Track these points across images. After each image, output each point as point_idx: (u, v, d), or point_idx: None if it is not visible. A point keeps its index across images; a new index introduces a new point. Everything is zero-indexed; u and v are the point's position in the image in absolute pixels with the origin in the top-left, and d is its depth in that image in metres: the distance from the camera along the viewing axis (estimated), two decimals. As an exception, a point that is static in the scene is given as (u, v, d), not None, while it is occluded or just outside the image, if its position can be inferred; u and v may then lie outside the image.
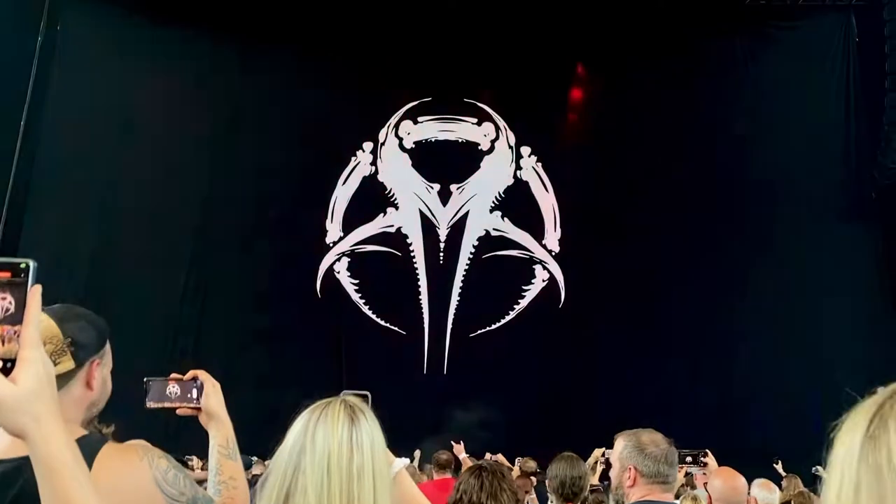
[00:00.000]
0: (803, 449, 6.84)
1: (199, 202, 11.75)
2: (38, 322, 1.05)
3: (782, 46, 12.04)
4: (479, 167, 12.04)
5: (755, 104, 11.73)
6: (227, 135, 11.93)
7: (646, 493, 2.48)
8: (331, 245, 11.75)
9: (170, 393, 1.91)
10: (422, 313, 11.52)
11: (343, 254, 11.72)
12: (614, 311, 11.25)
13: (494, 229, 11.82)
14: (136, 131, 11.67)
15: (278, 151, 11.96)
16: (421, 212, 11.83)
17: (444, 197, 11.86)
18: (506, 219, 11.84)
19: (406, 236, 11.76)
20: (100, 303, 10.96)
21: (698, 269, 11.17)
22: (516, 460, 7.60)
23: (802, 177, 11.34)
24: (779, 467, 7.97)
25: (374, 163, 12.04)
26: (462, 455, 7.45)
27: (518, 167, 12.05)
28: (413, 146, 12.09)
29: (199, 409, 1.91)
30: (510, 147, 12.13)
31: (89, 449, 1.49)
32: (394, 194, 11.92)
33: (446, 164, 12.01)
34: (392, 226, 11.81)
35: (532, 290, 11.65)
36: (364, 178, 11.99)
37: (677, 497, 4.12)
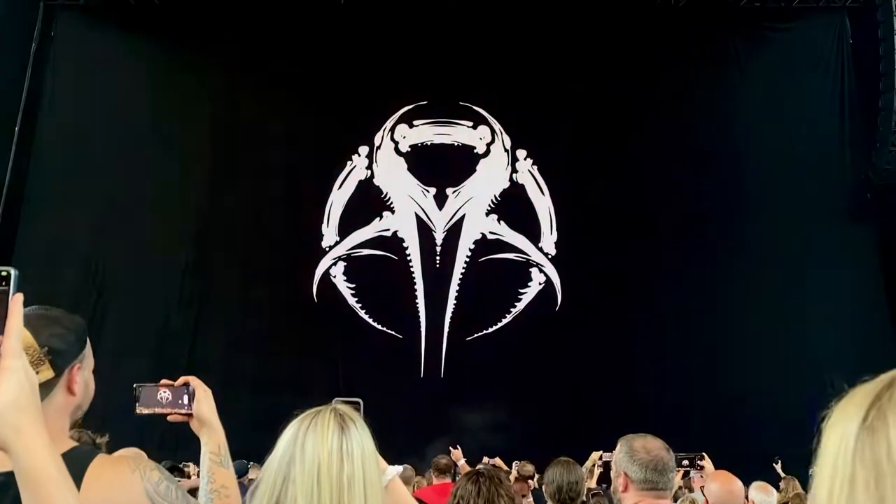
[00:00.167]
0: (802, 450, 6.83)
1: (195, 208, 11.75)
2: (21, 331, 1.03)
3: (777, 48, 12.09)
4: (475, 170, 12.03)
5: (750, 105, 11.77)
6: (222, 140, 11.92)
7: (637, 500, 2.46)
8: (327, 249, 11.73)
9: (161, 399, 1.88)
10: (418, 317, 11.50)
11: (339, 258, 11.70)
12: (611, 313, 11.25)
13: (491, 232, 11.81)
14: (131, 138, 11.66)
15: (274, 156, 11.96)
16: (417, 215, 11.82)
17: (441, 200, 11.85)
18: (502, 222, 11.83)
19: (402, 240, 11.75)
20: (94, 309, 10.97)
21: (694, 270, 11.19)
22: (514, 464, 7.57)
23: (798, 178, 11.38)
24: (778, 467, 7.97)
25: (369, 167, 12.03)
26: (461, 461, 7.43)
27: (514, 170, 12.05)
28: (409, 150, 12.08)
29: (190, 415, 1.87)
30: (506, 150, 12.13)
31: (79, 461, 1.46)
32: (390, 198, 11.91)
33: (442, 168, 12.00)
34: (388, 230, 11.79)
35: (528, 294, 11.64)
36: (360, 182, 11.98)
37: (675, 500, 4.11)
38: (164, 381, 1.89)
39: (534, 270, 11.72)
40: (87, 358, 1.69)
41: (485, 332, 11.43)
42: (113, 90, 11.80)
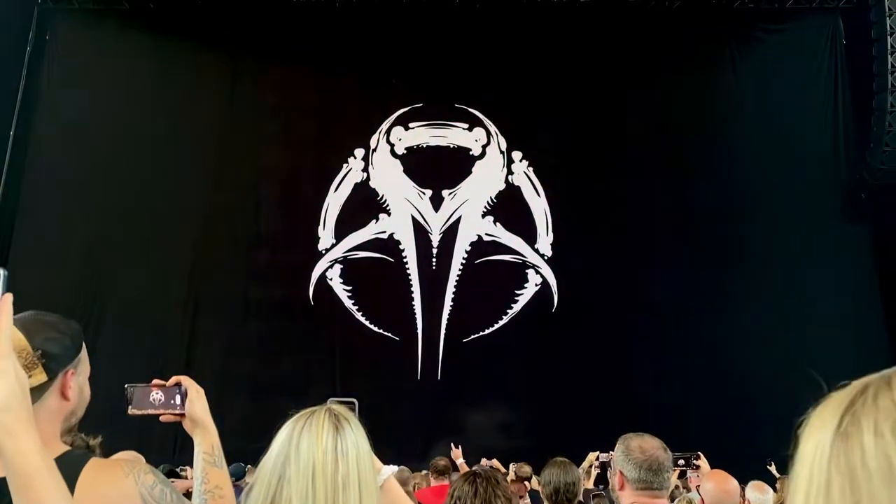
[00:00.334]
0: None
1: (192, 211, 11.73)
2: (10, 332, 1.02)
3: (771, 49, 12.13)
4: (470, 172, 12.04)
5: (745, 106, 11.81)
6: (219, 143, 11.92)
7: (634, 499, 2.47)
8: (323, 252, 11.72)
9: (153, 400, 1.85)
10: (415, 319, 11.50)
11: (335, 260, 11.70)
12: (607, 314, 11.26)
13: (487, 234, 11.82)
14: (127, 141, 11.65)
15: (270, 158, 11.96)
16: (413, 217, 11.82)
17: (437, 202, 11.85)
18: (498, 223, 11.84)
19: (398, 242, 11.75)
20: (91, 311, 10.96)
21: (690, 271, 11.21)
22: (511, 465, 7.57)
23: (793, 178, 11.41)
24: (773, 469, 7.98)
25: (365, 169, 12.03)
26: (459, 460, 7.43)
27: (509, 172, 12.07)
28: (405, 152, 12.09)
29: (183, 415, 1.86)
30: (501, 152, 12.14)
31: (72, 466, 1.46)
32: (386, 200, 11.91)
33: (438, 170, 12.01)
34: (384, 232, 11.79)
35: (525, 295, 11.65)
36: (356, 184, 11.98)
37: (672, 500, 4.11)
38: (155, 382, 1.88)
39: (530, 272, 11.73)
40: (83, 363, 1.67)
41: (481, 333, 11.43)
42: (108, 93, 11.79)
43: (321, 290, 11.59)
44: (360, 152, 12.08)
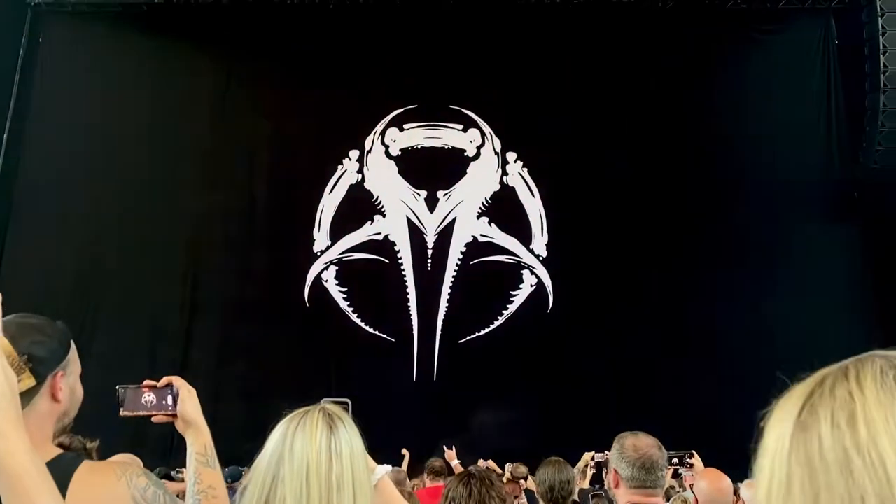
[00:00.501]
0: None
1: (186, 213, 11.71)
2: None
3: (764, 49, 12.17)
4: (465, 173, 12.05)
5: (738, 107, 11.84)
6: (212, 145, 11.90)
7: (629, 496, 2.49)
8: (318, 254, 11.71)
9: (145, 401, 1.85)
10: (410, 320, 11.50)
11: (331, 262, 11.69)
12: (602, 314, 11.29)
13: (482, 235, 11.83)
14: (121, 141, 11.64)
15: (264, 161, 11.95)
16: (408, 219, 11.82)
17: (431, 203, 11.86)
18: (493, 224, 11.85)
19: (394, 243, 11.75)
20: (86, 313, 10.93)
21: (686, 270, 11.24)
22: (507, 465, 7.59)
23: (785, 178, 11.45)
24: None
25: (360, 171, 12.03)
26: (454, 462, 7.44)
27: (504, 173, 12.08)
28: (399, 153, 12.09)
29: (174, 415, 1.86)
30: (496, 153, 12.16)
31: (64, 469, 1.46)
32: (381, 202, 11.91)
33: (433, 171, 12.01)
34: (379, 233, 11.79)
35: (520, 295, 11.66)
36: (351, 186, 11.97)
37: (668, 499, 4.13)
38: (147, 383, 1.87)
39: (525, 272, 11.75)
40: (72, 364, 1.67)
41: (477, 334, 11.44)
42: (102, 95, 11.76)
43: (316, 291, 11.58)
44: (354, 154, 12.08)
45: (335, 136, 12.11)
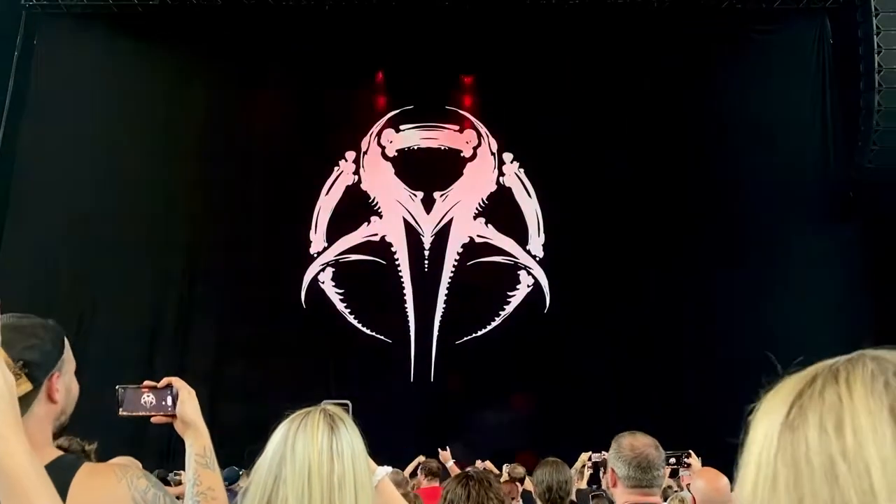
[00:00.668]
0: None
1: (183, 214, 11.71)
2: None
3: (759, 49, 12.19)
4: (462, 174, 12.05)
5: (733, 107, 11.86)
6: (209, 147, 11.89)
7: (626, 496, 2.50)
8: (315, 256, 11.71)
9: (144, 402, 1.84)
10: (407, 321, 11.50)
11: (327, 264, 11.69)
12: (599, 314, 11.30)
13: (478, 236, 11.83)
14: (116, 143, 11.62)
15: (261, 163, 11.94)
16: (405, 220, 11.82)
17: (428, 204, 11.86)
18: (490, 225, 11.86)
19: (390, 245, 11.75)
20: (83, 314, 10.92)
21: (682, 270, 11.26)
22: (504, 466, 7.59)
23: (781, 178, 11.48)
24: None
25: (356, 172, 12.03)
26: (449, 463, 7.44)
27: (501, 173, 12.09)
28: (396, 154, 12.09)
29: (174, 416, 1.85)
30: (492, 153, 12.16)
31: (64, 471, 1.46)
32: (377, 203, 11.91)
33: (429, 172, 12.01)
34: (376, 234, 11.79)
35: (517, 296, 11.67)
36: (347, 187, 11.97)
37: (665, 499, 4.13)
38: (146, 383, 1.87)
39: (522, 273, 11.75)
40: (67, 363, 1.67)
41: (474, 335, 11.44)
42: (97, 96, 11.74)
43: (313, 293, 11.58)
44: (351, 155, 12.08)
45: (331, 138, 12.11)
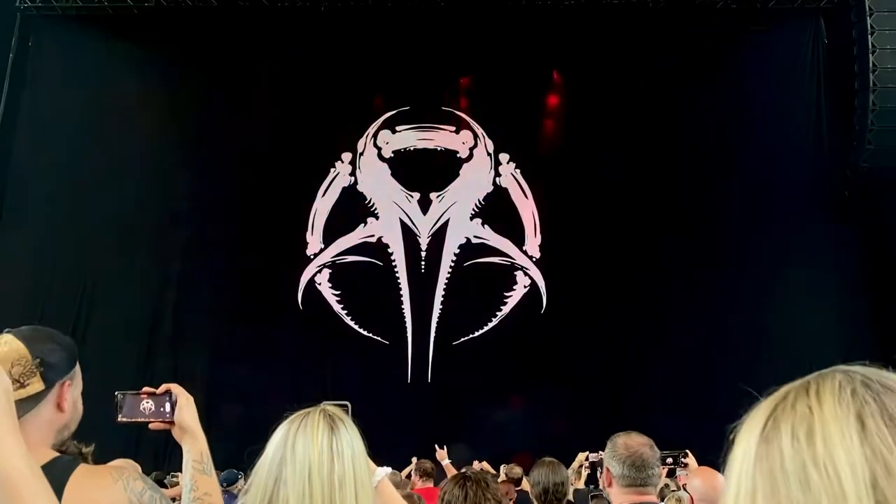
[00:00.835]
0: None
1: (177, 218, 11.69)
2: None
3: (754, 49, 12.22)
4: (458, 175, 12.06)
5: (729, 107, 11.89)
6: (205, 150, 11.88)
7: (622, 496, 2.51)
8: (311, 257, 11.70)
9: (143, 408, 1.86)
10: (404, 322, 11.50)
11: (324, 265, 11.68)
12: (596, 315, 11.31)
13: (475, 236, 11.84)
14: (112, 146, 11.60)
15: (257, 165, 11.92)
16: (401, 221, 11.82)
17: (424, 205, 11.87)
18: (486, 226, 11.86)
19: (387, 246, 11.75)
20: (78, 317, 10.89)
21: (678, 270, 11.27)
22: (502, 467, 7.59)
23: (776, 178, 11.50)
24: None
25: (353, 173, 12.03)
26: (445, 461, 7.44)
27: (497, 174, 12.10)
28: (392, 155, 12.10)
29: (172, 423, 1.86)
30: (489, 154, 12.17)
31: (61, 472, 1.46)
32: (374, 204, 11.91)
33: (425, 173, 12.02)
34: (373, 236, 11.79)
35: (514, 297, 11.67)
36: (343, 188, 11.97)
37: (662, 498, 4.14)
38: (146, 389, 1.88)
39: (518, 273, 11.76)
40: (77, 377, 1.70)
41: (471, 336, 11.44)
42: (92, 98, 11.73)
43: (310, 294, 11.57)
44: (347, 156, 12.08)
45: (327, 139, 12.11)
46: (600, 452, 5.72)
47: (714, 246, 11.28)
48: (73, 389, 1.66)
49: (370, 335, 11.42)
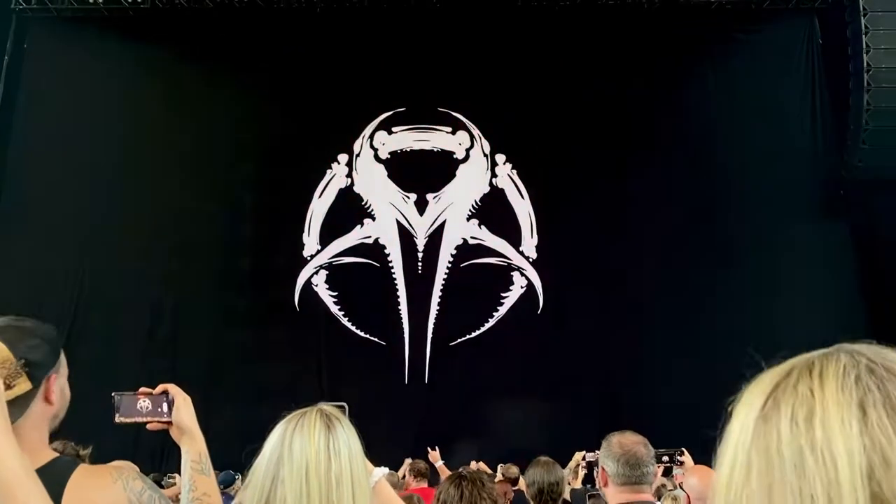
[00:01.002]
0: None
1: (174, 219, 11.68)
2: None
3: (749, 49, 12.27)
4: (454, 176, 12.07)
5: (724, 107, 11.92)
6: (201, 150, 11.88)
7: (618, 495, 2.52)
8: (308, 258, 11.70)
9: (140, 408, 1.86)
10: (401, 323, 11.50)
11: (321, 267, 11.68)
12: (593, 315, 11.32)
13: (472, 237, 11.85)
14: (108, 147, 11.59)
15: (253, 166, 11.93)
16: (398, 222, 11.83)
17: (421, 206, 11.87)
18: (483, 227, 11.87)
19: (384, 247, 11.75)
20: (75, 318, 10.88)
21: (675, 270, 11.29)
22: (499, 466, 7.60)
23: (771, 177, 11.54)
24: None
25: (349, 174, 12.03)
26: (438, 462, 7.43)
27: (493, 175, 12.11)
28: (388, 156, 12.10)
29: (170, 423, 1.86)
30: (485, 155, 12.18)
31: (60, 472, 1.47)
32: (370, 205, 11.92)
33: (422, 174, 12.03)
34: (369, 237, 11.79)
35: (511, 297, 11.69)
36: (340, 190, 11.97)
37: (659, 497, 4.15)
38: (143, 390, 1.88)
39: (515, 274, 11.77)
40: (62, 366, 1.70)
41: (468, 336, 11.45)
42: (88, 100, 11.72)
43: (307, 296, 11.57)
44: (343, 157, 12.08)
45: (324, 140, 12.11)
46: (597, 452, 5.74)
47: (709, 246, 11.29)
48: (59, 379, 1.66)
49: (367, 336, 11.42)
